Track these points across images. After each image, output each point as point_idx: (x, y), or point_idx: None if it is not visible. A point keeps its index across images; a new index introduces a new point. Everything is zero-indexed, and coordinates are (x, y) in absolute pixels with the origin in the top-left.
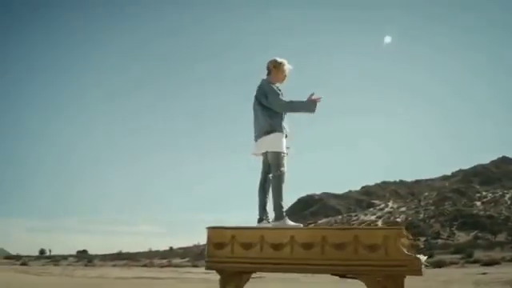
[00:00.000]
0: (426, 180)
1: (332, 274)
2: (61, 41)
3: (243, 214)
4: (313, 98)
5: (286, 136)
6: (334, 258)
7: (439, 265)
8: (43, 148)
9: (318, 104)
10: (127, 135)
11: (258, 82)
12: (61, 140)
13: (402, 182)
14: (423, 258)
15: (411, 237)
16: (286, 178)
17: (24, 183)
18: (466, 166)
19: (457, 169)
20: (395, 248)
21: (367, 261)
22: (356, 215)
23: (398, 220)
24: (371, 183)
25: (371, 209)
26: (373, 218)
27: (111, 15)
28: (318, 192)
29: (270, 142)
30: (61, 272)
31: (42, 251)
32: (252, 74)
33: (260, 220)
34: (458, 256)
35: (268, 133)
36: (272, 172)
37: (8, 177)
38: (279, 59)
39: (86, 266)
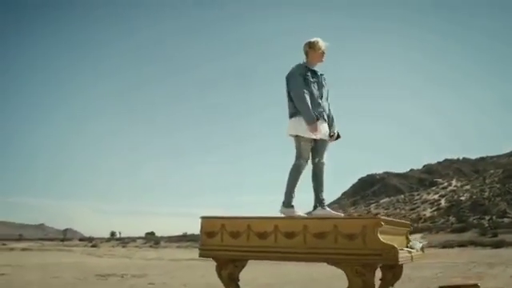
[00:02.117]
0: (491, 157)
1: None
2: (62, 40)
3: (305, 196)
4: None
5: (318, 119)
6: (315, 246)
7: (498, 245)
8: (119, 138)
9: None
10: (186, 130)
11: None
12: (130, 131)
13: (465, 160)
14: (419, 245)
15: (409, 224)
16: (327, 167)
17: (101, 171)
18: None
19: None
20: (373, 237)
21: (346, 249)
22: (418, 194)
23: (462, 199)
24: (433, 161)
25: (434, 187)
26: (436, 197)
27: (114, 16)
28: (380, 171)
29: (291, 126)
30: (123, 254)
31: (113, 233)
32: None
33: (314, 207)
34: None
35: (292, 116)
36: (295, 158)
37: (86, 165)
38: (313, 39)
39: (150, 247)
